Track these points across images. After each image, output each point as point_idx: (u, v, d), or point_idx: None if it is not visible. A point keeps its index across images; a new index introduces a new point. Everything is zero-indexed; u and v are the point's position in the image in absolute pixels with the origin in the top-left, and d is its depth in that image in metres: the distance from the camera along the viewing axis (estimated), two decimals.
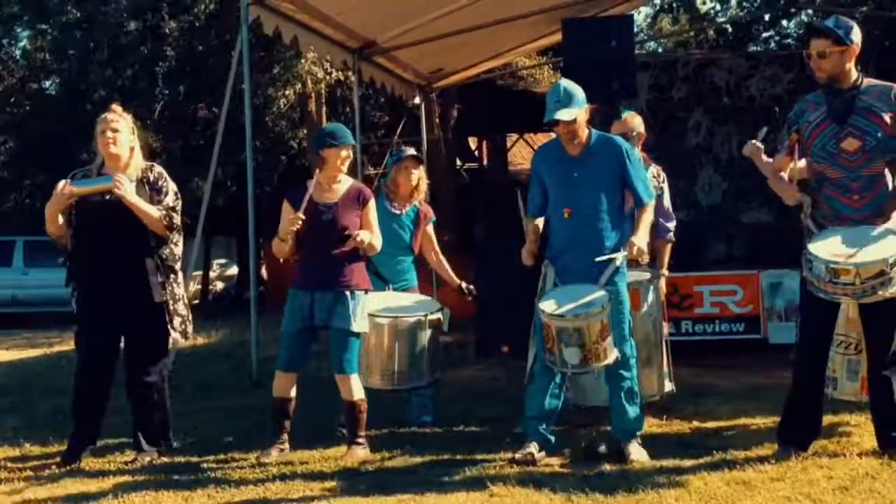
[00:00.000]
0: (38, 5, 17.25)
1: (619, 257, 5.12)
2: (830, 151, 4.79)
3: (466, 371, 8.47)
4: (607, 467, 4.90)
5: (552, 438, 5.19)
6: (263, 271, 20.16)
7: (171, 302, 5.55)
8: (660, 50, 20.41)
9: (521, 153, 20.89)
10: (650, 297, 5.93)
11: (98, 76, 15.28)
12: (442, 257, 6.53)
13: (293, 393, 5.47)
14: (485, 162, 19.59)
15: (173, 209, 5.53)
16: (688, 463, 4.90)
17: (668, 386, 6.07)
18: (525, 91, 15.36)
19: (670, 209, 6.41)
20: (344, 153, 5.44)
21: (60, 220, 5.42)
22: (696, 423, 5.92)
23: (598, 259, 5.05)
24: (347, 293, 5.37)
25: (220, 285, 23.47)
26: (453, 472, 4.85)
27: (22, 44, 22.74)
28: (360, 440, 5.38)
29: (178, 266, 5.65)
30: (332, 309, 5.35)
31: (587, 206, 5.11)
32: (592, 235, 5.11)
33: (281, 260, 5.66)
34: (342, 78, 13.37)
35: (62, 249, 5.60)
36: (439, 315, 5.91)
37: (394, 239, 6.11)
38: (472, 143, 19.53)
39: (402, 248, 6.27)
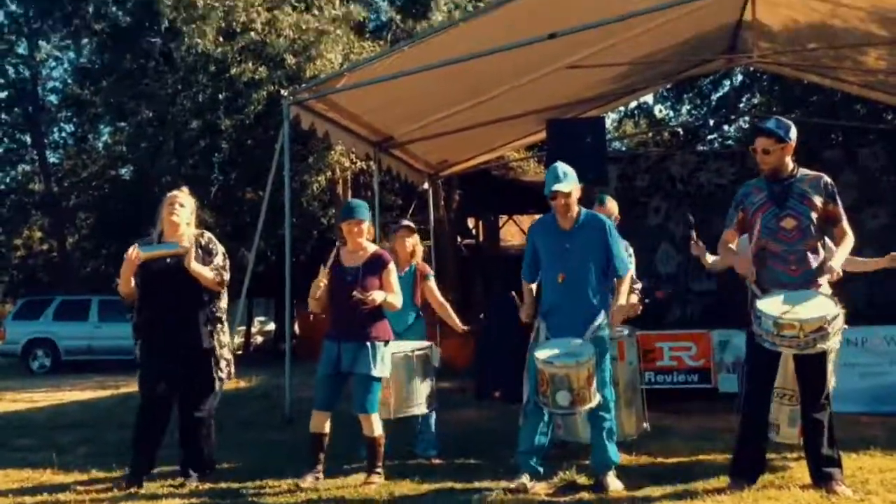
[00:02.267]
0: (118, 107, 17.37)
1: (602, 319, 5.03)
2: (772, 229, 4.74)
3: (466, 412, 8.26)
4: (586, 496, 4.73)
5: (541, 470, 5.04)
6: (297, 327, 20.01)
7: (217, 348, 5.45)
8: (623, 148, 20.52)
9: (510, 232, 20.86)
10: (632, 349, 5.90)
11: (165, 165, 15.29)
12: (446, 304, 6.37)
13: (327, 429, 5.32)
14: (481, 239, 19.55)
15: (223, 268, 5.46)
16: (657, 492, 4.74)
17: (645, 425, 5.93)
18: (514, 180, 15.37)
19: (634, 277, 6.32)
20: (355, 226, 5.35)
21: (132, 282, 5.35)
22: (660, 459, 5.75)
23: (593, 326, 4.98)
24: (369, 344, 5.26)
25: (259, 339, 23.30)
26: (456, 499, 4.67)
27: (104, 138, 22.93)
28: (378, 470, 5.23)
29: (224, 317, 5.56)
30: (356, 357, 5.23)
31: (576, 272, 5.02)
32: (580, 297, 5.02)
33: (311, 317, 5.55)
34: (364, 166, 13.35)
35: (129, 306, 5.55)
36: (426, 351, 5.78)
37: None
38: (471, 222, 19.51)
39: (405, 303, 6.08)
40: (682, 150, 15.39)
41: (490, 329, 8.89)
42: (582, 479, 5.08)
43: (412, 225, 6.34)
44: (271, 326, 23.55)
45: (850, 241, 4.77)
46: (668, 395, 8.29)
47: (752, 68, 14.45)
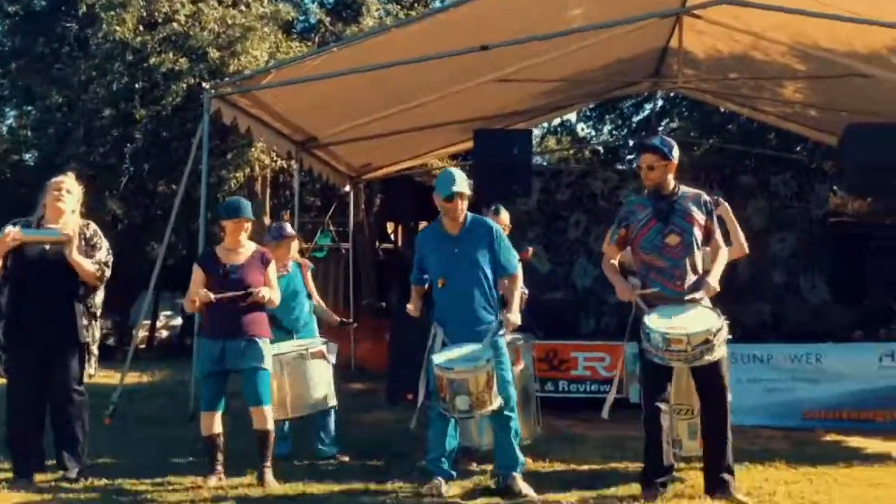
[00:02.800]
0: (26, 90, 16.70)
1: (497, 324, 5.06)
2: (657, 245, 4.84)
3: (377, 414, 8.16)
4: (501, 501, 4.71)
5: (454, 473, 5.01)
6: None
7: (90, 343, 5.29)
8: (545, 163, 20.76)
9: None
10: (527, 356, 5.98)
11: (73, 152, 14.72)
12: (320, 300, 6.49)
13: (219, 429, 5.21)
14: (399, 244, 19.46)
15: (105, 263, 5.29)
16: (571, 498, 4.77)
17: (538, 429, 6.06)
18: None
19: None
20: (242, 224, 5.30)
21: (1, 262, 5.12)
22: (573, 466, 5.79)
23: (484, 327, 4.98)
24: (257, 339, 5.21)
25: (164, 333, 22.60)
26: (369, 499, 4.58)
27: (9, 122, 21.99)
28: (269, 464, 5.13)
29: (98, 313, 5.40)
30: (244, 353, 5.15)
31: (466, 277, 5.02)
32: (472, 302, 5.01)
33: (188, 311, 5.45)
34: (285, 165, 13.18)
35: None
36: (321, 347, 5.72)
37: (285, 296, 5.92)
38: (390, 227, 19.43)
39: (296, 300, 6.12)
40: (604, 168, 15.66)
41: (401, 331, 8.82)
42: (492, 483, 5.06)
43: (293, 233, 6.41)
44: (177, 321, 22.87)
45: (724, 254, 4.93)
46: (581, 404, 8.38)
47: (673, 93, 14.82)
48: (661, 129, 18.85)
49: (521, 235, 11.65)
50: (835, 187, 12.43)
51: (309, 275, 6.40)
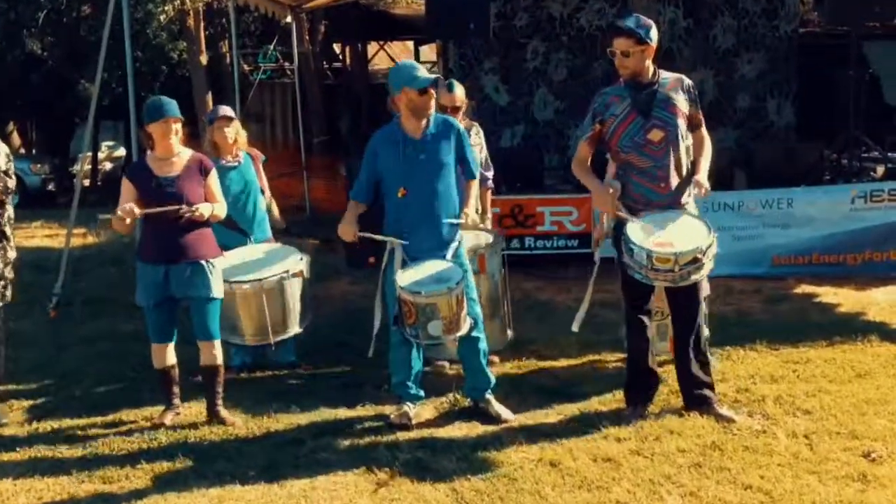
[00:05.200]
0: None
1: (460, 235, 4.52)
2: (638, 142, 4.23)
3: (338, 285, 7.71)
4: (478, 426, 4.36)
5: (422, 393, 4.59)
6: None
7: (1, 265, 4.70)
8: None
9: (381, 62, 19.59)
10: (494, 259, 5.34)
11: None
12: (271, 196, 5.73)
13: (172, 360, 4.63)
14: (349, 63, 18.28)
15: (6, 172, 4.59)
16: (551, 418, 4.44)
17: (510, 334, 5.48)
18: (384, 11, 14.11)
19: (488, 161, 5.75)
20: (166, 126, 4.46)
21: None
22: (549, 363, 5.40)
23: (446, 221, 4.42)
24: (204, 262, 4.52)
25: (108, 165, 21.50)
26: (337, 448, 4.15)
27: None
28: (220, 401, 4.60)
29: (9, 232, 4.74)
30: (190, 280, 4.48)
31: (431, 185, 4.40)
32: (438, 213, 4.42)
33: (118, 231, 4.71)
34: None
35: None
36: (301, 267, 5.10)
37: (238, 191, 5.30)
38: (337, 48, 18.17)
39: (249, 195, 5.42)
40: None
41: (356, 170, 8.13)
42: (467, 402, 4.70)
43: (230, 114, 5.50)
44: (121, 152, 21.75)
45: (710, 148, 4.35)
46: (547, 261, 8.04)
47: None
48: None
49: (479, 67, 10.86)
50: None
51: (261, 167, 5.64)
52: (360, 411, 4.62)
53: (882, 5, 7.87)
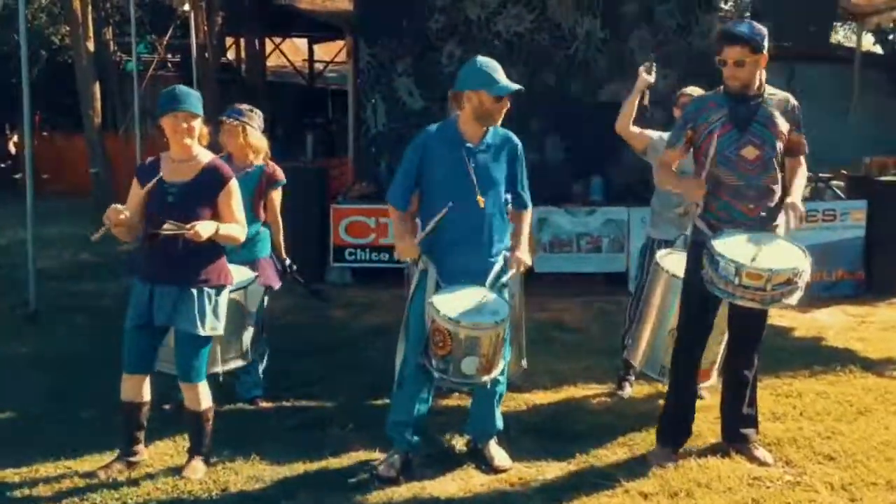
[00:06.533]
0: None
1: (502, 261, 3.87)
2: (728, 157, 3.79)
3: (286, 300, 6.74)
4: (475, 476, 3.74)
5: (418, 442, 3.89)
6: (11, 146, 16.93)
7: None
8: None
9: (271, 59, 18.54)
10: (515, 286, 4.57)
11: None
12: (280, 227, 4.78)
13: (146, 396, 3.78)
14: (242, 59, 17.14)
15: None
16: (555, 468, 3.87)
17: (524, 364, 4.77)
18: (288, 5, 13.15)
19: None
20: (183, 122, 3.65)
21: None
22: (525, 396, 4.83)
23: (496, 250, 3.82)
24: (194, 290, 3.67)
25: None
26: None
27: None
28: (204, 451, 3.83)
29: None
30: (175, 307, 3.66)
31: (484, 198, 3.76)
32: (485, 233, 3.78)
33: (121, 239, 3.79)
34: None
35: None
36: (242, 292, 4.27)
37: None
38: (229, 41, 17.02)
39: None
40: None
41: None
42: (460, 444, 4.11)
43: (241, 109, 4.61)
44: None
45: (804, 175, 3.94)
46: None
47: None
48: None
49: (391, 68, 10.24)
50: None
51: (275, 191, 4.69)
52: (331, 461, 3.89)
53: (818, 24, 7.79)
